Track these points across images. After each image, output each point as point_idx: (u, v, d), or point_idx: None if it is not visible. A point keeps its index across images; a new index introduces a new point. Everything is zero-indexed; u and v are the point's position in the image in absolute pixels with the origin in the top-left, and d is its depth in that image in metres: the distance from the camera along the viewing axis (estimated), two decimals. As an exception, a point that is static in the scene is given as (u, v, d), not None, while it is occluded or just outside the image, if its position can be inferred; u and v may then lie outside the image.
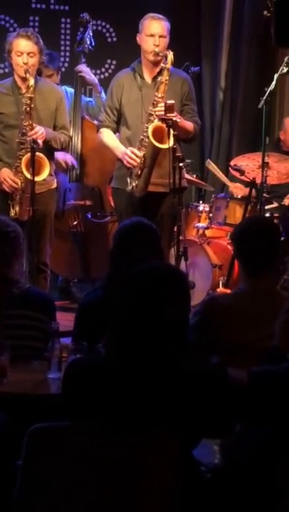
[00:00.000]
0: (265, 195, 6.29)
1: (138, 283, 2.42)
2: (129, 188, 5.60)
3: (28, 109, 5.48)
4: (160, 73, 5.56)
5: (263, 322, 3.31)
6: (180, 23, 7.67)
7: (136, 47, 5.72)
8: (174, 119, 5.35)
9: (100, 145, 5.95)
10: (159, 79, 5.54)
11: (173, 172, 5.29)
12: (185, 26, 8.17)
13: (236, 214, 6.77)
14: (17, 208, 5.59)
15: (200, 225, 6.97)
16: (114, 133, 5.81)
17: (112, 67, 8.16)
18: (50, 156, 5.71)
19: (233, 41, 8.48)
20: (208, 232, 6.98)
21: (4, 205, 5.64)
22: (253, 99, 7.81)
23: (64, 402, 2.46)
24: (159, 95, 5.48)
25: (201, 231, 6.94)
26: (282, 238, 6.30)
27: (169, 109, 5.35)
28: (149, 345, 2.34)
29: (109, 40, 8.35)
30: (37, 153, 5.38)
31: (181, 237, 5.64)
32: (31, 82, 5.47)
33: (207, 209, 7.06)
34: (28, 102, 5.47)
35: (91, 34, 6.87)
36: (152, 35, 5.58)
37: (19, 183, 5.55)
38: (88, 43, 6.83)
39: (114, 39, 8.35)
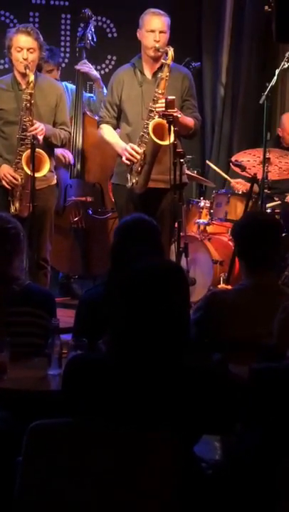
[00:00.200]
0: (266, 190, 6.29)
1: (138, 280, 2.42)
2: (130, 184, 5.60)
3: (28, 105, 5.48)
4: (160, 69, 5.56)
5: (265, 318, 3.31)
6: (181, 18, 7.69)
7: (136, 42, 5.72)
8: (175, 114, 5.35)
9: (102, 141, 5.95)
10: (159, 75, 5.53)
11: (174, 168, 5.29)
12: (186, 22, 8.19)
13: (237, 210, 6.78)
14: (17, 205, 5.59)
15: (201, 221, 6.98)
16: (115, 129, 5.81)
17: (113, 62, 8.17)
18: (50, 153, 5.71)
19: (234, 36, 8.49)
20: (209, 228, 6.98)
21: (4, 202, 5.64)
22: (254, 94, 7.82)
23: (64, 398, 2.47)
24: (160, 91, 5.48)
25: (201, 227, 6.95)
26: (283, 234, 6.32)
27: (169, 104, 5.34)
28: (150, 341, 2.35)
29: (109, 35, 8.36)
30: (37, 149, 5.38)
31: (181, 233, 5.64)
32: (31, 77, 5.46)
33: (208, 205, 7.06)
34: (28, 97, 5.47)
35: (93, 30, 6.87)
36: (153, 31, 5.57)
37: (19, 180, 5.56)
38: (90, 38, 6.83)
39: (115, 35, 8.36)
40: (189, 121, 5.62)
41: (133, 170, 5.57)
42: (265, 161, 6.23)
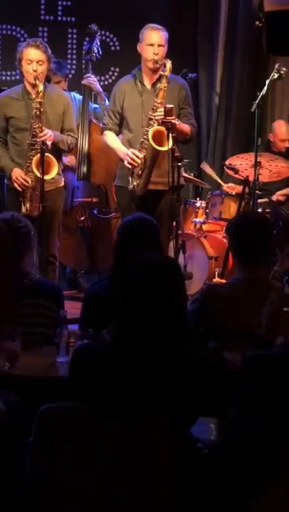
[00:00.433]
0: (257, 192, 6.29)
1: (138, 274, 2.42)
2: (131, 186, 5.60)
3: (37, 112, 5.48)
4: (159, 80, 5.56)
5: (256, 310, 3.30)
6: (179, 32, 7.70)
7: (137, 55, 5.71)
8: (173, 122, 5.35)
9: (105, 146, 5.94)
10: (158, 85, 5.53)
11: (172, 171, 5.28)
12: (183, 36, 8.18)
13: (231, 210, 6.79)
14: (28, 205, 5.60)
15: (197, 220, 6.97)
16: (117, 135, 5.81)
17: (116, 74, 8.16)
18: (58, 157, 5.71)
19: (227, 49, 8.48)
20: (204, 227, 6.98)
21: (16, 202, 5.64)
22: (246, 103, 7.81)
23: (71, 384, 2.46)
24: (158, 100, 5.48)
25: (198, 225, 6.94)
26: (273, 231, 6.32)
27: (168, 112, 5.34)
28: (150, 331, 2.34)
29: (112, 49, 8.35)
30: (46, 154, 5.38)
31: (179, 232, 5.64)
32: (40, 88, 5.47)
33: (204, 205, 7.07)
34: (38, 106, 5.48)
35: (98, 44, 6.86)
36: (152, 45, 5.57)
37: (30, 182, 5.56)
38: (96, 51, 6.82)
39: (118, 48, 8.35)
40: (186, 127, 5.61)
41: (134, 173, 5.57)
42: (257, 164, 6.23)
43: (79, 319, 3.83)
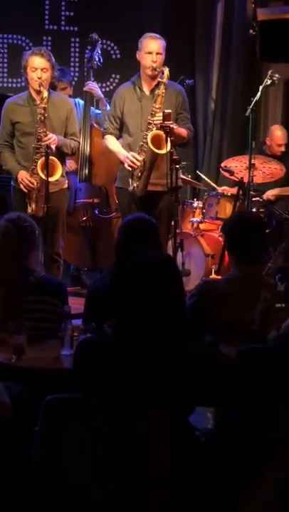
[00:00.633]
0: (251, 192, 6.29)
1: (138, 271, 2.42)
2: (131, 187, 5.61)
3: (42, 118, 5.48)
4: (157, 86, 5.55)
5: (251, 304, 3.31)
6: (177, 41, 7.68)
7: (137, 63, 5.70)
8: (171, 126, 5.35)
9: (106, 150, 5.95)
10: (156, 91, 5.53)
11: (170, 173, 5.28)
12: (181, 44, 8.16)
13: (226, 210, 6.78)
14: (33, 206, 5.60)
15: (194, 219, 6.97)
16: (118, 139, 5.80)
17: (116, 80, 8.15)
18: (62, 160, 5.71)
19: (223, 57, 8.46)
20: (201, 226, 6.98)
21: (22, 203, 5.64)
22: (240, 108, 7.80)
23: (75, 375, 2.47)
24: (157, 106, 5.48)
25: (195, 225, 6.94)
26: (267, 230, 6.32)
27: (166, 117, 5.34)
28: (150, 325, 2.35)
29: (113, 57, 8.34)
30: (50, 157, 5.39)
31: (178, 230, 5.64)
32: (45, 94, 5.47)
33: (201, 205, 7.06)
34: (42, 111, 5.48)
35: (100, 52, 6.85)
36: (150, 53, 5.56)
37: (35, 184, 5.56)
38: (97, 60, 6.81)
39: (118, 56, 8.34)
40: (183, 132, 5.61)
41: (134, 175, 5.57)
42: (251, 166, 6.23)
43: (82, 314, 3.83)
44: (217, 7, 8.40)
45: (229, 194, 6.89)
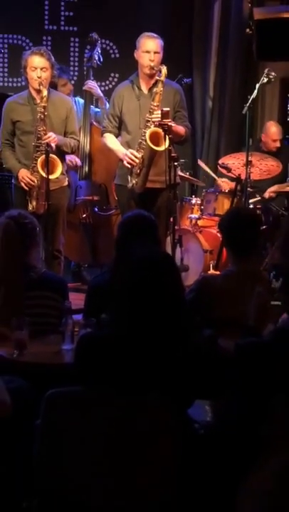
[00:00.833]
0: (249, 189, 6.30)
1: (136, 267, 2.42)
2: (130, 184, 5.61)
3: (42, 116, 5.49)
4: (155, 85, 5.56)
5: (249, 299, 3.31)
6: (174, 40, 7.69)
7: (136, 62, 5.70)
8: (169, 124, 5.35)
9: (106, 148, 5.95)
10: (154, 90, 5.53)
11: (169, 170, 5.29)
12: (179, 43, 8.18)
13: (224, 206, 6.79)
14: (34, 203, 5.60)
15: (193, 216, 6.97)
16: (116, 137, 5.81)
17: (116, 79, 8.15)
18: (62, 158, 5.71)
19: (220, 56, 8.46)
20: (200, 222, 6.98)
21: (23, 201, 5.64)
22: (237, 106, 7.81)
23: (76, 369, 2.47)
24: (155, 104, 5.49)
25: (193, 221, 6.94)
26: (264, 227, 6.33)
27: (165, 115, 5.34)
28: (149, 319, 2.35)
29: (112, 56, 8.34)
30: (50, 155, 5.39)
31: (176, 227, 5.64)
32: (44, 93, 5.47)
33: (199, 202, 7.07)
34: (42, 110, 5.48)
35: (99, 51, 6.85)
36: (148, 52, 5.57)
37: (35, 181, 5.57)
38: (96, 59, 6.82)
39: (117, 55, 8.34)
40: (181, 129, 5.62)
41: (133, 172, 5.58)
42: (248, 163, 6.24)
43: (83, 309, 3.83)
44: (214, 7, 8.40)
45: (227, 190, 6.89)
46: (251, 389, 2.52)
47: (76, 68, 8.28)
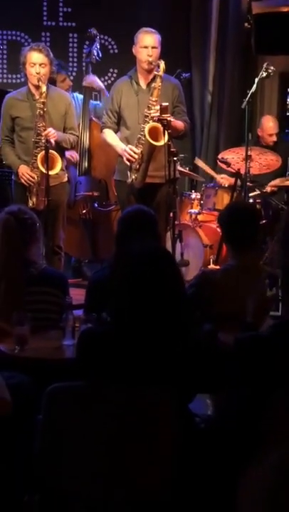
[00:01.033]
0: (248, 183, 6.30)
1: (136, 261, 2.42)
2: (129, 180, 5.62)
3: (41, 112, 5.49)
4: (154, 80, 5.56)
5: (249, 292, 3.31)
6: (173, 35, 7.70)
7: (135, 57, 5.70)
8: (168, 119, 5.35)
9: (105, 143, 5.95)
10: (152, 85, 5.54)
11: (168, 165, 5.29)
12: (177, 38, 8.17)
13: (224, 201, 6.79)
14: (34, 199, 5.61)
15: (192, 210, 6.97)
16: (116, 133, 5.81)
17: (114, 75, 8.15)
18: (62, 154, 5.72)
19: (219, 50, 8.45)
20: (199, 217, 6.98)
21: (23, 197, 5.65)
22: (237, 100, 7.80)
23: (77, 364, 2.47)
24: (153, 99, 5.49)
25: (193, 216, 6.94)
26: (264, 221, 6.33)
27: (164, 110, 5.35)
28: (149, 314, 2.35)
29: (111, 51, 8.34)
30: (50, 150, 5.39)
31: (176, 222, 5.64)
32: (43, 89, 5.48)
33: (198, 197, 7.07)
34: (41, 106, 5.49)
35: (98, 47, 6.85)
36: (146, 47, 5.57)
37: (35, 178, 5.58)
38: (95, 54, 6.82)
39: (116, 51, 8.33)
40: (180, 124, 5.62)
41: (132, 168, 5.59)
42: (248, 157, 6.24)
43: (83, 305, 3.84)
44: (212, 1, 8.38)
45: (226, 185, 6.89)
46: (251, 383, 2.52)
47: (75, 64, 8.27)
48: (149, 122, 5.46)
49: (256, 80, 6.35)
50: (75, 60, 8.29)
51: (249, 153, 6.25)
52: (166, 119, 5.32)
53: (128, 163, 5.57)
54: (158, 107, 5.39)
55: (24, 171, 5.59)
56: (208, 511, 2.41)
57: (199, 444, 2.46)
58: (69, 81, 6.89)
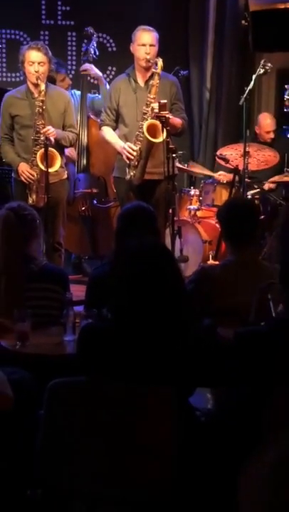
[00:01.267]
0: (247, 179, 6.29)
1: (136, 257, 2.43)
2: (128, 177, 5.62)
3: (40, 110, 5.49)
4: (151, 77, 5.57)
5: (248, 288, 3.32)
6: (171, 32, 7.68)
7: (133, 55, 5.69)
8: (167, 116, 5.35)
9: (103, 140, 5.95)
10: (150, 82, 5.55)
11: (167, 162, 5.29)
12: (175, 36, 8.15)
13: (222, 197, 6.79)
14: (34, 196, 5.61)
15: (191, 207, 6.97)
16: (114, 130, 5.81)
17: (113, 73, 8.13)
18: (61, 151, 5.71)
19: (216, 48, 8.44)
20: (198, 213, 6.98)
21: (23, 194, 5.65)
22: (234, 97, 7.79)
23: (78, 360, 2.48)
24: (152, 96, 5.50)
25: (192, 212, 6.94)
26: (262, 216, 6.33)
27: (162, 107, 5.35)
28: (150, 309, 2.35)
29: (109, 49, 8.32)
30: (49, 148, 5.39)
31: (175, 218, 5.64)
32: (42, 87, 5.47)
33: (197, 193, 7.07)
34: (40, 104, 5.49)
35: (95, 45, 6.85)
36: (144, 45, 5.57)
37: (35, 175, 5.57)
38: (92, 53, 6.81)
39: (114, 49, 8.32)
40: (178, 121, 5.63)
41: (131, 164, 5.59)
42: (246, 154, 6.23)
43: (84, 301, 3.84)
44: (210, -1, 8.38)
45: (225, 181, 6.89)
46: (251, 377, 2.52)
47: (74, 62, 8.25)
48: (147, 119, 5.46)
49: (254, 76, 6.34)
50: (74, 58, 8.27)
51: (247, 149, 6.25)
52: (164, 116, 5.32)
53: (127, 161, 5.57)
54: (156, 105, 5.38)
55: (24, 169, 5.59)
56: (209, 505, 2.41)
57: (200, 437, 2.46)
58: (68, 80, 6.88)
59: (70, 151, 6.50)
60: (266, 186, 6.98)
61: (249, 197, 6.49)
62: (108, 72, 8.23)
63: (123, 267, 2.45)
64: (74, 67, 8.17)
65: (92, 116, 6.71)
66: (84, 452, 2.27)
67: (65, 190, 5.98)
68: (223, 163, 6.63)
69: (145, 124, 5.44)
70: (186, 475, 2.31)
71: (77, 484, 2.29)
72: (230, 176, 6.60)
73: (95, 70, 6.70)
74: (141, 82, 5.68)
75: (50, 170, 5.38)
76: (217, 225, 6.64)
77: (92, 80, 6.90)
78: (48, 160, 5.34)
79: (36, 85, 5.52)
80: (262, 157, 6.56)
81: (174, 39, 7.95)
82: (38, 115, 5.49)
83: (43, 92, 5.47)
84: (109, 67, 8.23)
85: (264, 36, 6.58)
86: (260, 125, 7.40)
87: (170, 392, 2.28)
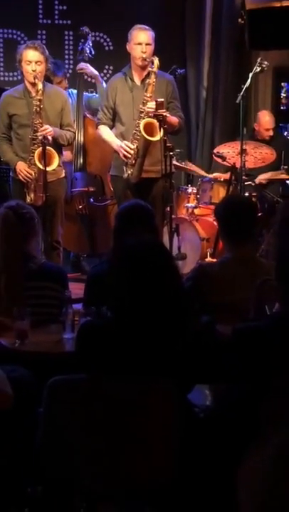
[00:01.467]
0: (244, 177, 6.30)
1: (134, 255, 2.43)
2: (125, 175, 5.62)
3: (38, 109, 5.49)
4: (148, 76, 5.57)
5: (245, 284, 3.32)
6: (168, 31, 7.69)
7: (129, 54, 5.69)
8: (164, 114, 5.36)
9: (100, 139, 5.95)
10: (147, 81, 5.55)
11: (164, 160, 5.29)
12: (172, 34, 8.16)
13: (220, 195, 6.80)
14: (32, 195, 5.61)
15: (189, 205, 6.98)
16: (111, 129, 5.81)
17: (110, 71, 8.13)
18: (59, 150, 5.71)
19: (213, 46, 8.44)
20: (196, 211, 6.99)
21: (21, 193, 5.65)
22: (231, 95, 7.78)
23: (78, 357, 2.48)
24: (148, 95, 5.50)
25: (190, 210, 6.95)
26: (260, 214, 6.33)
27: (159, 106, 5.35)
28: (149, 307, 2.35)
29: (106, 48, 8.32)
30: (47, 147, 5.39)
31: (173, 216, 5.65)
32: (40, 86, 5.47)
33: (195, 191, 7.08)
34: (38, 103, 5.49)
35: (91, 44, 6.85)
36: (140, 44, 5.57)
37: (33, 174, 5.57)
38: (88, 52, 6.81)
39: (111, 48, 8.32)
40: (174, 120, 5.62)
41: (128, 163, 5.59)
42: (243, 151, 6.24)
43: (82, 299, 3.84)
44: (206, -3, 8.38)
45: (222, 179, 6.90)
46: (249, 373, 2.52)
47: (71, 61, 8.25)
48: (144, 118, 5.46)
49: (250, 74, 6.35)
50: (71, 57, 8.27)
51: (244, 147, 6.25)
52: (162, 115, 5.32)
53: (124, 159, 5.57)
54: (153, 103, 5.38)
55: (22, 168, 5.59)
56: (208, 501, 2.42)
57: (199, 433, 2.46)
58: (65, 83, 6.86)
59: (66, 155, 6.50)
60: (257, 181, 6.98)
61: (246, 194, 6.49)
62: (105, 70, 8.23)
63: (121, 265, 2.45)
64: (71, 67, 8.17)
65: (88, 115, 6.71)
66: (84, 449, 2.27)
67: (63, 188, 5.98)
68: (220, 161, 6.64)
69: (142, 123, 5.44)
70: (186, 471, 2.31)
71: (77, 481, 2.29)
72: (226, 176, 6.62)
73: (91, 69, 6.70)
74: (137, 80, 5.68)
75: (48, 169, 5.38)
76: (215, 223, 6.65)
77: (89, 79, 6.90)
78: (45, 159, 5.35)
79: (34, 84, 5.52)
80: (259, 155, 6.57)
81: (170, 38, 7.95)
82: (35, 114, 5.49)
83: (40, 91, 5.47)
84: (106, 66, 8.23)
85: (260, 34, 6.60)
86: (260, 122, 7.41)
87: (170, 388, 2.28)
